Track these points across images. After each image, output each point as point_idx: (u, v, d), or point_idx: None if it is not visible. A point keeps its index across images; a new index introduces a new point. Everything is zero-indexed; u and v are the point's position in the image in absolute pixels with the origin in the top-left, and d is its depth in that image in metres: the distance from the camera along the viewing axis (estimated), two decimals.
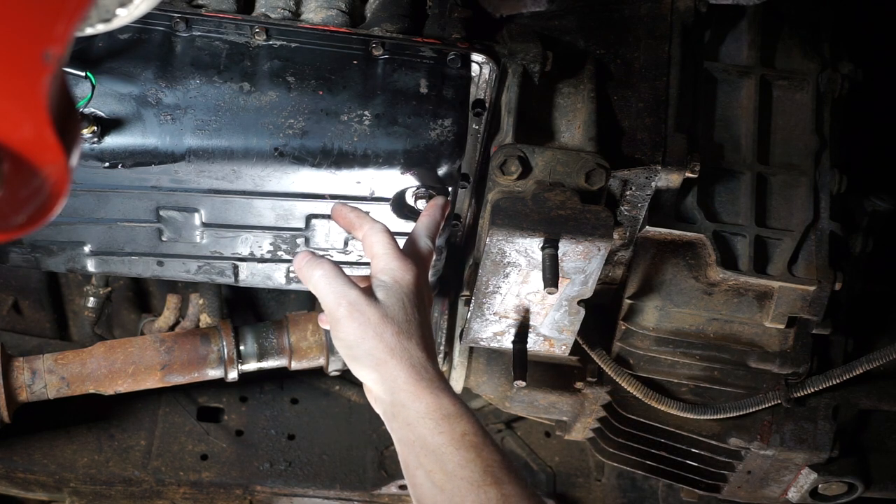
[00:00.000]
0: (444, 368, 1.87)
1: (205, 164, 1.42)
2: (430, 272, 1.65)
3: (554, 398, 1.89)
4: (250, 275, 1.65)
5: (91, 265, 1.61)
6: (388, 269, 1.31)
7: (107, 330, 2.15)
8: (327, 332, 1.82)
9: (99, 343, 1.82)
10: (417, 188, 1.48)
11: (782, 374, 1.73)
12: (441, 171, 1.46)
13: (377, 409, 1.34)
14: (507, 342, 1.61)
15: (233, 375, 1.83)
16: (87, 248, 1.58)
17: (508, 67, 1.48)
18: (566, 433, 1.98)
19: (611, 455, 1.95)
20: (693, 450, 1.85)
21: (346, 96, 1.42)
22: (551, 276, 1.41)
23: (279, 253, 1.61)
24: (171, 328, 1.93)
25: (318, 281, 1.30)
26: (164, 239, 1.57)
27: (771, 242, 1.65)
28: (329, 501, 2.14)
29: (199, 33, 1.42)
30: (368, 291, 1.29)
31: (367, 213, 1.40)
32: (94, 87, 1.35)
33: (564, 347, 1.64)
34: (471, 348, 1.86)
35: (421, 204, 1.49)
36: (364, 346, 1.27)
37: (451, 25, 1.48)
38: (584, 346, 1.73)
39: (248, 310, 2.21)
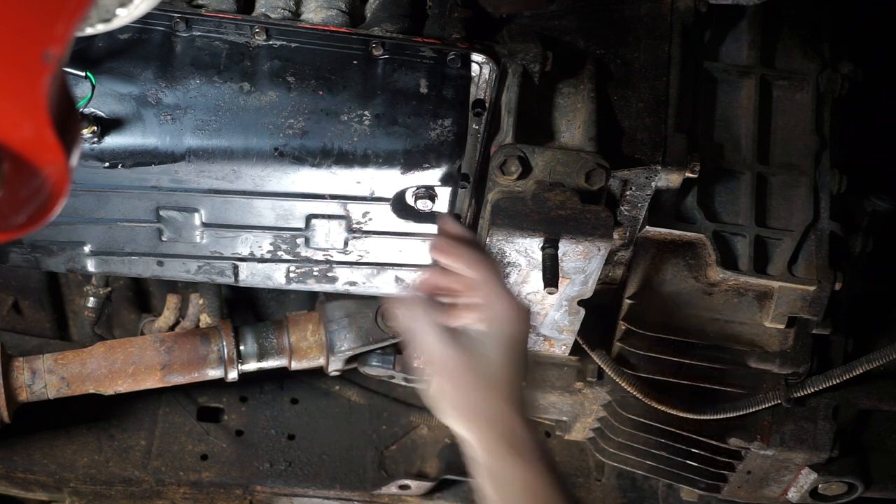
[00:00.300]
0: None
1: (205, 164, 1.42)
2: None
3: (554, 398, 1.89)
4: (250, 275, 1.65)
5: (91, 265, 1.61)
6: (502, 319, 1.25)
7: (107, 330, 2.15)
8: (327, 331, 1.82)
9: (99, 343, 1.82)
10: (417, 188, 1.48)
11: (782, 374, 1.73)
12: (441, 171, 1.46)
13: (467, 454, 1.30)
14: None
15: (233, 375, 1.83)
16: (87, 248, 1.58)
17: (508, 67, 1.48)
18: (566, 433, 1.98)
19: (611, 455, 1.95)
20: (693, 450, 1.85)
21: (346, 96, 1.42)
22: (551, 276, 1.41)
23: (279, 253, 1.61)
24: (171, 328, 1.92)
25: (422, 329, 1.24)
26: (164, 239, 1.57)
27: (771, 242, 1.65)
28: (329, 501, 2.14)
29: (199, 33, 1.42)
30: (474, 343, 1.23)
31: (466, 240, 1.32)
32: (94, 87, 1.35)
33: (564, 347, 1.64)
34: None
35: (421, 204, 1.49)
36: (460, 407, 1.24)
37: (451, 25, 1.48)
38: (584, 346, 1.73)
39: (248, 310, 2.21)
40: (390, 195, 1.49)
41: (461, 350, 1.24)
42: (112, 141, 1.39)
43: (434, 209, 1.50)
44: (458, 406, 1.25)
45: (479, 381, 1.24)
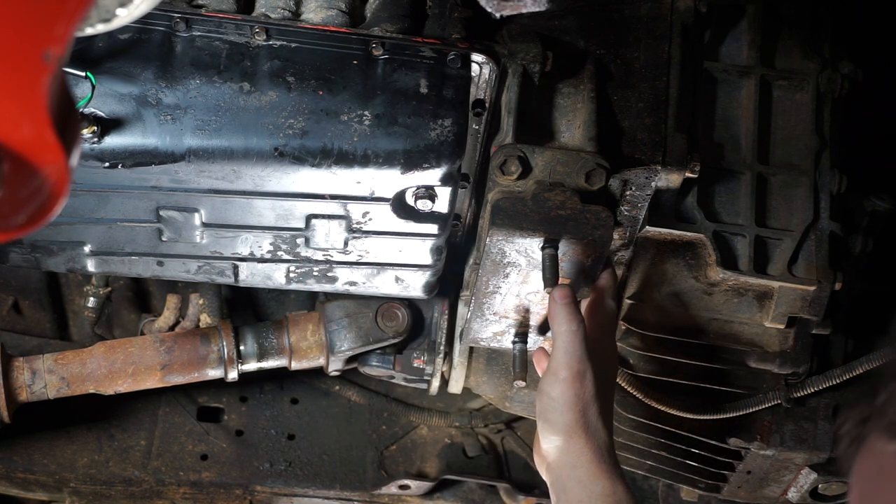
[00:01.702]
0: (444, 368, 1.88)
1: (205, 164, 1.42)
2: (431, 273, 1.66)
3: None
4: (250, 275, 1.65)
5: (91, 265, 1.61)
6: (604, 350, 1.40)
7: (107, 330, 2.15)
8: (327, 331, 1.82)
9: (99, 343, 1.82)
10: (417, 188, 1.48)
11: (782, 374, 1.73)
12: (441, 171, 1.46)
13: (542, 472, 1.40)
14: (507, 342, 1.61)
15: (233, 375, 1.83)
16: (87, 248, 1.58)
17: (508, 67, 1.48)
18: None
19: None
20: (693, 450, 1.85)
21: (346, 96, 1.42)
22: (551, 276, 1.41)
23: (279, 253, 1.61)
24: (171, 328, 1.92)
25: (564, 333, 1.35)
26: (164, 239, 1.57)
27: (771, 242, 1.65)
28: (329, 501, 2.14)
29: (199, 33, 1.42)
30: (591, 360, 1.35)
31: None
32: (94, 87, 1.35)
33: None
34: (471, 348, 1.86)
35: (421, 204, 1.49)
36: (567, 415, 1.33)
37: (451, 25, 1.48)
38: None
39: (248, 310, 2.21)
40: (390, 195, 1.49)
41: (591, 370, 1.35)
42: (112, 141, 1.39)
43: (434, 209, 1.50)
44: (570, 419, 1.33)
45: (594, 400, 1.35)
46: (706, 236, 1.61)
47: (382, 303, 1.81)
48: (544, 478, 1.40)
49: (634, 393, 1.75)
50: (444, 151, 1.44)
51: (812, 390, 1.73)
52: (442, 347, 1.84)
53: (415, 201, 1.49)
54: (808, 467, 1.82)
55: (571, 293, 1.38)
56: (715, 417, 1.77)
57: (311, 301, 2.13)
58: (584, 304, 1.47)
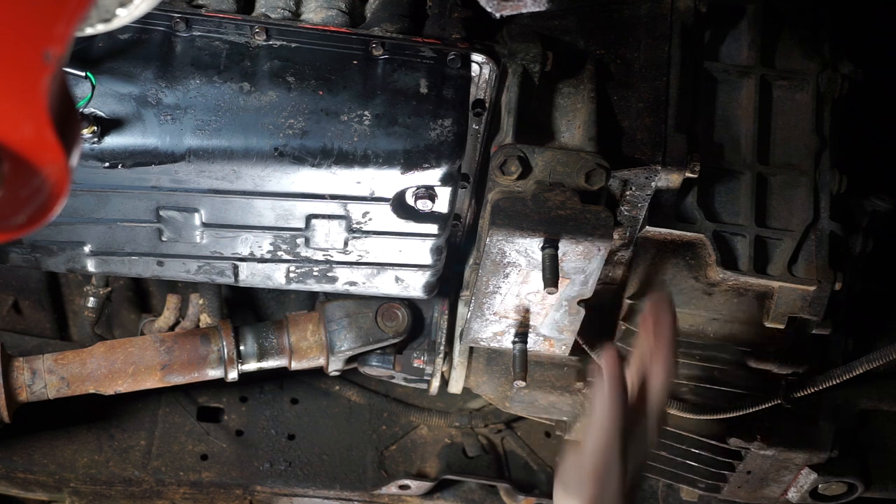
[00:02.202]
0: (444, 368, 1.88)
1: (205, 164, 1.42)
2: (431, 273, 1.66)
3: (554, 398, 1.88)
4: (250, 275, 1.65)
5: (91, 265, 1.61)
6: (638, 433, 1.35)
7: (107, 330, 2.15)
8: (327, 331, 1.82)
9: (99, 343, 1.82)
10: (417, 188, 1.48)
11: (782, 374, 1.73)
12: (441, 171, 1.46)
13: None
14: (507, 342, 1.61)
15: (233, 375, 1.83)
16: (87, 248, 1.58)
17: (508, 67, 1.48)
18: (566, 433, 1.98)
19: None
20: (693, 450, 1.85)
21: (346, 96, 1.42)
22: (551, 276, 1.41)
23: (279, 253, 1.61)
24: (171, 328, 1.93)
25: (603, 415, 1.31)
26: (164, 239, 1.57)
27: (771, 242, 1.65)
28: (329, 501, 2.14)
29: (199, 33, 1.42)
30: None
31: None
32: (94, 87, 1.36)
33: (564, 347, 1.64)
34: (471, 348, 1.86)
35: (421, 204, 1.49)
36: (589, 489, 1.30)
37: (451, 25, 1.48)
38: (583, 346, 1.73)
39: (248, 310, 2.21)
40: (390, 195, 1.49)
41: (621, 457, 1.30)
42: (112, 141, 1.39)
43: (434, 209, 1.51)
44: (598, 485, 1.30)
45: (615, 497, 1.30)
46: (706, 236, 1.61)
47: (382, 303, 1.81)
48: None
49: None
50: (444, 151, 1.44)
51: (812, 390, 1.73)
52: (442, 347, 1.84)
53: (415, 201, 1.49)
54: (808, 467, 1.82)
55: (618, 360, 1.33)
56: (715, 417, 1.77)
57: (311, 301, 2.13)
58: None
